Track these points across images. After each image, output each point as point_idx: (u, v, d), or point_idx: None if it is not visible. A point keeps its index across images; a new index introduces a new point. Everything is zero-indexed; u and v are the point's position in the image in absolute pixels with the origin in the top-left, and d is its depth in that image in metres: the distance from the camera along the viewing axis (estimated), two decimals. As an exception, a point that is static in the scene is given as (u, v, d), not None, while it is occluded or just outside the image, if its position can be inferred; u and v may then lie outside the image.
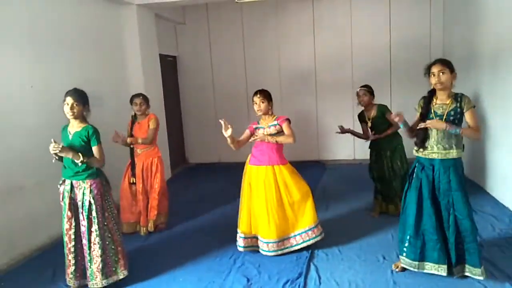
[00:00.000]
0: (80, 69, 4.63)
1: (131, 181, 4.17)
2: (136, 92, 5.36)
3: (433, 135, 2.91)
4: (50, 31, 4.19)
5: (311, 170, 6.33)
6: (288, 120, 3.58)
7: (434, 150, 2.90)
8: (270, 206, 3.45)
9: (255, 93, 3.59)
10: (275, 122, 3.56)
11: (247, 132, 3.67)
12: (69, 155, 2.90)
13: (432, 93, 2.98)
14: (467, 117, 2.87)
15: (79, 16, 4.68)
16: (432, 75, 2.87)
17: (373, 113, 4.24)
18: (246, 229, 3.55)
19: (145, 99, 4.23)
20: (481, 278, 2.84)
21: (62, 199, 3.07)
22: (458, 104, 2.87)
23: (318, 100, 7.04)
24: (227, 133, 3.33)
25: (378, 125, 4.23)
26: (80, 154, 2.92)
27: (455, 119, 2.86)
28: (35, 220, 3.86)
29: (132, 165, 4.21)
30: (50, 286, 3.19)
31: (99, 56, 5.04)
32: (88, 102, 3.08)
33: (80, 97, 3.01)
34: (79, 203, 3.01)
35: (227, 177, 6.39)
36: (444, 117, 2.86)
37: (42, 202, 3.93)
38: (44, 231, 3.96)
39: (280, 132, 3.54)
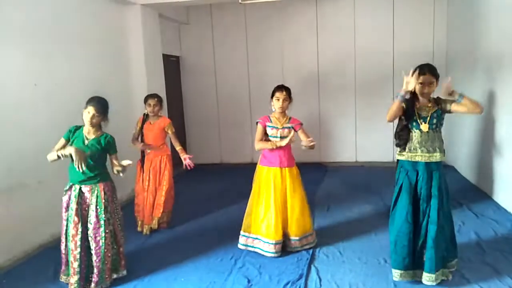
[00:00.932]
0: (83, 68, 4.64)
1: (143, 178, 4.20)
2: (141, 90, 5.36)
3: (417, 137, 2.91)
4: (54, 30, 4.20)
5: (313, 172, 6.32)
6: (302, 124, 3.56)
7: (418, 152, 2.91)
8: (277, 207, 3.45)
9: (279, 88, 3.50)
10: (290, 125, 3.52)
11: (261, 128, 3.54)
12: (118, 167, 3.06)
13: (414, 96, 2.95)
14: (460, 104, 2.88)
15: (83, 15, 4.69)
16: (421, 85, 2.85)
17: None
18: (250, 229, 3.57)
19: (160, 101, 4.24)
20: (433, 283, 2.82)
21: (68, 205, 3.02)
22: (440, 107, 2.92)
23: (321, 102, 7.03)
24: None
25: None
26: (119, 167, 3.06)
27: (438, 121, 2.92)
28: (37, 218, 3.86)
29: (142, 162, 4.22)
30: (51, 284, 3.20)
31: (103, 56, 5.05)
32: (108, 112, 3.12)
33: (103, 107, 3.06)
34: (91, 206, 3.01)
35: (229, 178, 6.39)
36: (428, 119, 2.89)
37: (45, 200, 3.93)
38: (46, 229, 3.96)
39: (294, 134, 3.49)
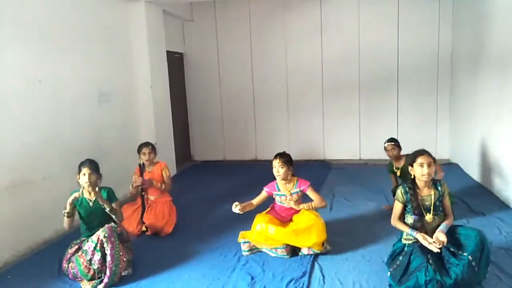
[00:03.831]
0: (87, 65, 4.65)
1: (143, 229, 4.05)
2: (145, 86, 5.34)
3: (432, 226, 2.91)
4: (58, 27, 4.21)
5: (316, 170, 6.32)
6: (311, 185, 3.54)
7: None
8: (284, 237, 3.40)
9: (275, 157, 3.52)
10: (297, 189, 3.52)
11: (264, 194, 3.62)
12: (104, 203, 3.24)
13: (414, 184, 2.95)
14: (445, 203, 2.94)
15: (87, 12, 4.70)
16: (420, 166, 2.87)
17: (402, 163, 4.29)
18: (248, 237, 3.51)
19: (153, 149, 4.24)
20: None
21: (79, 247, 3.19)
22: (440, 193, 2.92)
23: (325, 99, 7.02)
24: (234, 210, 3.40)
25: (406, 174, 4.20)
26: (108, 204, 3.27)
27: (439, 207, 2.92)
28: (41, 214, 3.89)
29: (142, 212, 4.12)
30: (55, 279, 3.21)
31: (107, 52, 5.06)
32: (99, 170, 3.32)
33: (95, 166, 3.28)
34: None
35: (232, 175, 6.39)
36: (432, 208, 2.89)
37: (49, 197, 3.96)
38: (51, 225, 3.99)
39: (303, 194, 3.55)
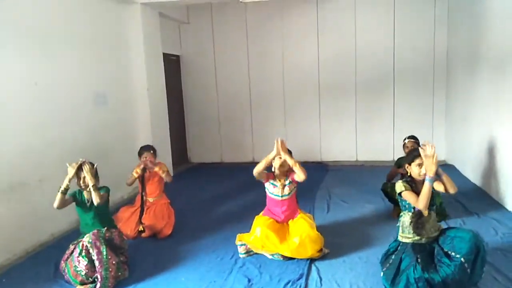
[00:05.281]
0: (83, 67, 4.64)
1: (140, 229, 4.00)
2: (141, 89, 5.32)
3: (427, 220, 2.89)
4: (55, 29, 4.20)
5: (314, 171, 6.30)
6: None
7: (429, 235, 2.89)
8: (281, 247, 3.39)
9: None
10: (289, 180, 3.57)
11: (268, 160, 3.61)
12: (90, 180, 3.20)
13: (412, 180, 2.97)
14: (438, 182, 2.91)
15: (83, 14, 4.69)
16: (418, 166, 2.89)
17: None
18: (245, 240, 3.51)
19: (154, 153, 4.20)
20: None
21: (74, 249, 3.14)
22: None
23: (321, 101, 7.03)
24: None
25: None
26: (94, 179, 3.23)
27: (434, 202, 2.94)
28: (38, 216, 3.87)
29: (141, 212, 4.08)
30: (51, 282, 3.20)
31: (103, 54, 5.05)
32: (97, 174, 3.31)
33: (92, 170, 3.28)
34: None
35: (229, 177, 6.39)
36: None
37: (45, 199, 3.93)
38: (47, 227, 3.97)
39: (294, 187, 3.59)
